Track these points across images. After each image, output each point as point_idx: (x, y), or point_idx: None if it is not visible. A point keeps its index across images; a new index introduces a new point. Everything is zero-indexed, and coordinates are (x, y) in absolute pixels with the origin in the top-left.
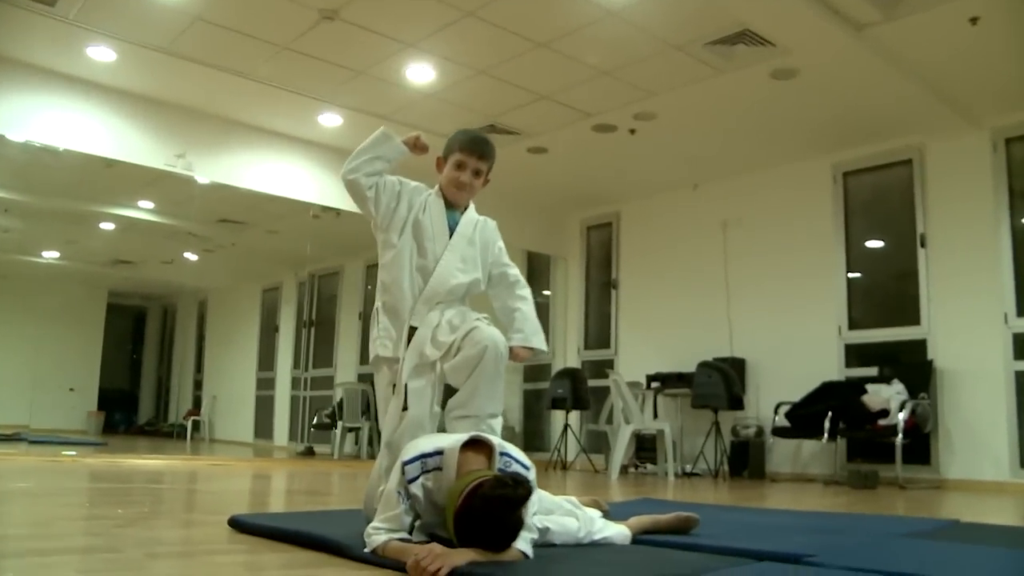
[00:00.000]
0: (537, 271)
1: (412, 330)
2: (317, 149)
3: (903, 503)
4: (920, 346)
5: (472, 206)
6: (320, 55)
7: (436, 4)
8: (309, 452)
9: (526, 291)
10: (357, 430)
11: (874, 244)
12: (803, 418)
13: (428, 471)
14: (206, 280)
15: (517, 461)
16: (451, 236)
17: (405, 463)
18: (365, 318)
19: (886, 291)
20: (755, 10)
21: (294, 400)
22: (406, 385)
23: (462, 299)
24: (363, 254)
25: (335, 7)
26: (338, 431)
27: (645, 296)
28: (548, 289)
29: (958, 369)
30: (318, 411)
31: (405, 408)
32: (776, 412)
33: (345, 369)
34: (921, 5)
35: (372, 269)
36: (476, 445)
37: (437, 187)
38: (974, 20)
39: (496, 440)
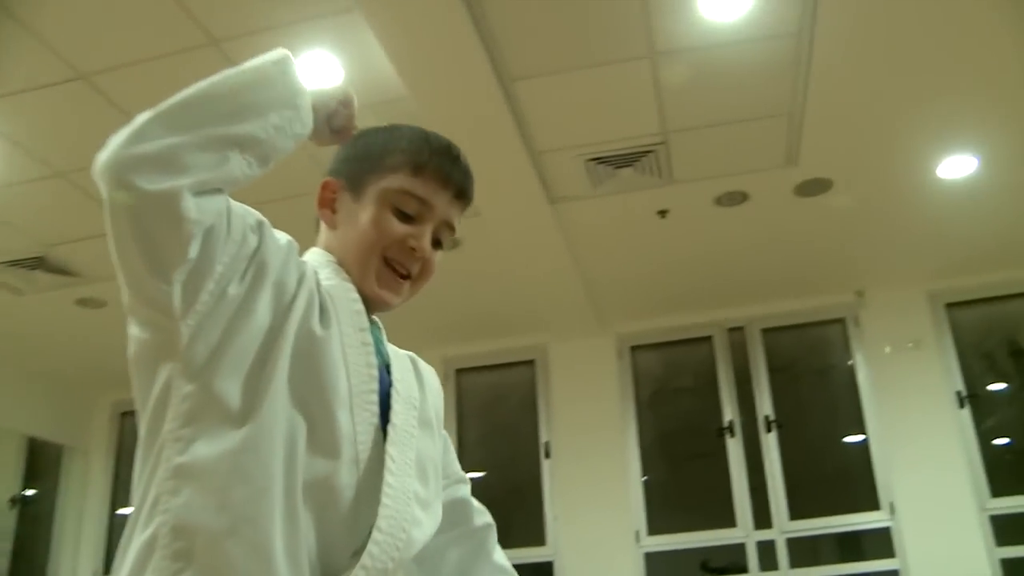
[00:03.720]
0: (41, 465)
1: None
2: None
3: None
4: (546, 570)
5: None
6: None
7: (40, 50)
8: None
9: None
10: None
11: (493, 452)
12: None
13: None
14: None
15: None
16: (388, 395)
17: None
18: None
19: (506, 507)
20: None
21: None
22: None
23: None
24: None
25: None
26: None
27: None
28: (56, 490)
29: None
30: None
31: None
32: None
33: None
34: (626, 186)
35: None
36: None
37: (331, 260)
38: (663, 213)
39: None
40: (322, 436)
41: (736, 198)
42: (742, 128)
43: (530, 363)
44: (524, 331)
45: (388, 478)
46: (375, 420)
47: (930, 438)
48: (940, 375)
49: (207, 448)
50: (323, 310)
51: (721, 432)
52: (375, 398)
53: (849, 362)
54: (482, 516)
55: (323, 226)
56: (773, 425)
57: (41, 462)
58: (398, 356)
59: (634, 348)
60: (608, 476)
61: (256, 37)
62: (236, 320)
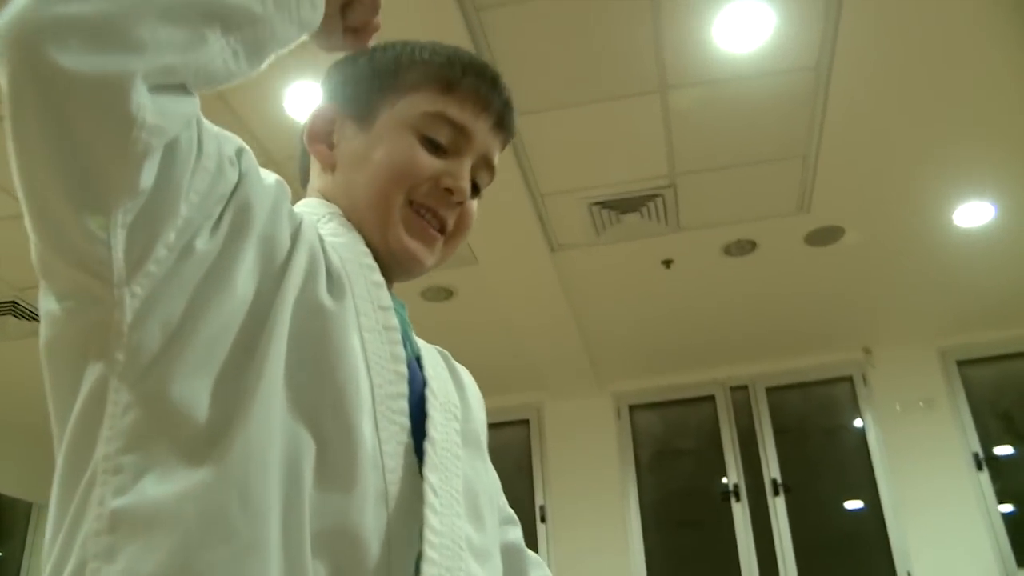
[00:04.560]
0: (8, 524)
1: None
2: None
3: None
4: None
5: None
6: None
7: None
8: None
9: None
10: None
11: None
12: None
13: None
14: None
15: None
16: (422, 399)
17: None
18: None
19: None
20: None
21: None
22: None
23: None
24: None
25: None
26: None
27: None
28: (24, 551)
29: None
30: None
31: None
32: None
33: None
34: (630, 233)
35: None
36: None
37: (335, 211)
38: (668, 263)
39: None
40: (338, 461)
41: (745, 247)
42: (754, 171)
43: (524, 423)
44: (519, 388)
45: (430, 518)
46: (405, 437)
47: (947, 502)
48: (955, 436)
49: (162, 485)
50: (332, 276)
51: (726, 496)
52: (404, 404)
53: (858, 422)
54: (540, 570)
55: (315, 168)
56: (781, 488)
57: (9, 521)
58: (427, 349)
59: (633, 408)
60: (608, 542)
61: None
62: (206, 289)
